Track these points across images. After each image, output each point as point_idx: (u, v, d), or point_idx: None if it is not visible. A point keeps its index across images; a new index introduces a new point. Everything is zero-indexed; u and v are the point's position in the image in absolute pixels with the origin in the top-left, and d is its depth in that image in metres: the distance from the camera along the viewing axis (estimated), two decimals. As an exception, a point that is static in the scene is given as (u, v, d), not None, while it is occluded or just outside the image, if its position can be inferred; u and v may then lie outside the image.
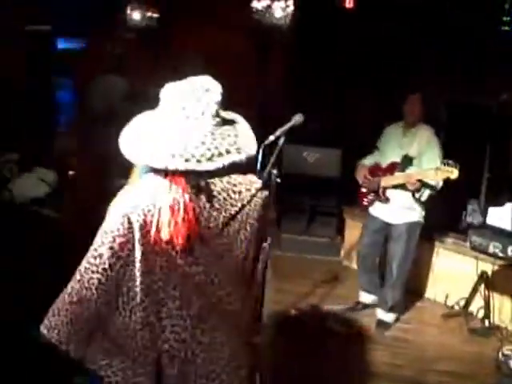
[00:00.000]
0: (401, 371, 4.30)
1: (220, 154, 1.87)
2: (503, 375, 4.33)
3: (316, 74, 7.26)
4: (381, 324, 4.98)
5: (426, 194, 4.70)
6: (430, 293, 5.69)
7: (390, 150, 4.92)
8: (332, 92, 7.48)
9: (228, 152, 1.89)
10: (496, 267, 5.16)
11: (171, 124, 1.89)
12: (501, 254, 4.46)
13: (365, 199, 5.06)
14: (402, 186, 4.74)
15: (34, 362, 3.56)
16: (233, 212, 1.94)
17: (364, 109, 6.97)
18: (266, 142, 2.83)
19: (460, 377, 4.31)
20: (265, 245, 2.10)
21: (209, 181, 1.92)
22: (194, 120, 1.89)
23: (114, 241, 1.83)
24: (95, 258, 1.84)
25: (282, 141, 2.85)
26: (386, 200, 4.86)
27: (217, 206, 1.92)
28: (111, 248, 1.83)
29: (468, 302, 5.29)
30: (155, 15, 7.70)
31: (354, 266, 6.26)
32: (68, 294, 1.86)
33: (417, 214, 4.87)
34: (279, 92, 7.69)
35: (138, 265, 1.83)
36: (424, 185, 4.62)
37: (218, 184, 1.94)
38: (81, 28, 6.85)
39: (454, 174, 4.35)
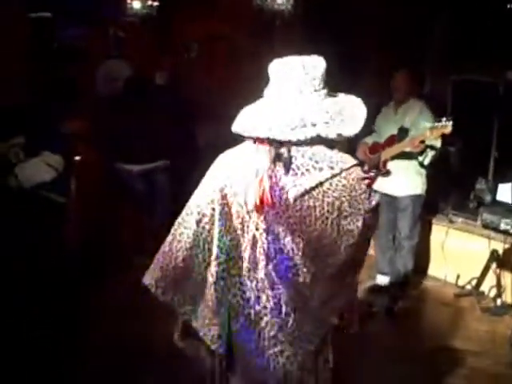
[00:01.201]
0: (414, 350, 4.26)
1: (304, 126, 1.90)
2: (517, 351, 4.31)
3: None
4: (390, 296, 4.98)
5: (429, 156, 4.80)
6: (441, 273, 5.64)
7: (386, 127, 5.04)
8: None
9: (314, 125, 1.91)
10: (507, 245, 5.12)
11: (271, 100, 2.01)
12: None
13: (367, 177, 5.04)
14: (402, 157, 4.84)
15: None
16: (307, 187, 1.93)
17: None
18: None
19: (474, 355, 4.26)
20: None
21: (292, 153, 1.95)
22: (291, 95, 1.97)
23: (203, 200, 2.05)
24: (187, 214, 2.08)
25: None
26: (388, 173, 4.93)
27: (293, 178, 1.94)
28: (198, 206, 2.05)
29: (479, 281, 5.25)
30: (155, 3, 7.65)
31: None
32: (163, 244, 2.13)
33: (419, 187, 4.97)
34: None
35: (217, 223, 2.01)
36: (426, 147, 4.72)
37: (299, 157, 1.95)
38: (83, 16, 6.79)
39: (448, 128, 4.50)
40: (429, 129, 4.58)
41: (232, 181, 2.01)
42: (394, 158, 4.89)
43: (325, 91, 2.03)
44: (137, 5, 7.56)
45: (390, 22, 6.76)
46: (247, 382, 2.09)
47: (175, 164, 5.98)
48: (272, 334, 1.99)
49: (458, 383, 3.89)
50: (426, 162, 4.83)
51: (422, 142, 4.66)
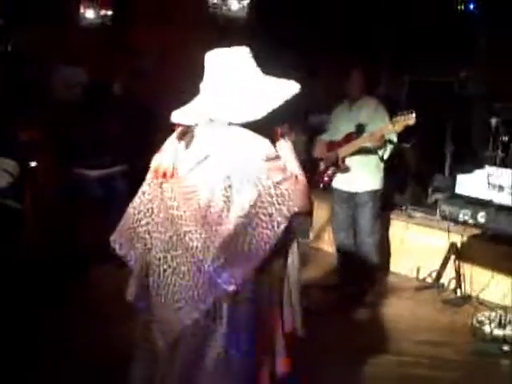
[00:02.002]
0: (378, 343, 4.30)
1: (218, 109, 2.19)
2: (479, 340, 4.37)
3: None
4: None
5: (388, 150, 4.87)
6: (401, 268, 5.73)
7: (342, 125, 5.07)
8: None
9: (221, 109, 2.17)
10: (465, 238, 5.23)
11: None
12: (471, 221, 4.50)
13: (325, 175, 5.10)
14: (361, 153, 4.89)
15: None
16: (202, 158, 2.18)
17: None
18: None
19: (437, 345, 4.32)
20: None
21: (197, 129, 2.24)
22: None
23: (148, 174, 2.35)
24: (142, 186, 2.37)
25: None
26: (346, 169, 4.97)
27: (193, 151, 2.22)
28: (146, 179, 2.36)
29: (439, 274, 5.35)
30: (109, 12, 7.58)
31: (324, 247, 6.29)
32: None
33: (378, 182, 5.02)
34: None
35: (147, 191, 2.33)
36: (385, 142, 4.78)
37: (204, 133, 2.23)
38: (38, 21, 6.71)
39: (411, 119, 4.55)
40: (391, 122, 4.64)
41: (160, 157, 2.32)
42: (353, 154, 4.92)
43: (249, 78, 2.23)
44: (90, 14, 7.49)
45: (345, 24, 6.86)
46: (161, 334, 2.28)
47: (134, 169, 5.94)
48: (174, 290, 2.22)
49: (421, 373, 3.92)
50: (386, 156, 4.89)
51: (382, 136, 4.71)
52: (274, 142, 2.26)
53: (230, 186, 2.11)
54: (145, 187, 2.35)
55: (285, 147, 2.30)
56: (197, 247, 2.16)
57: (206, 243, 2.13)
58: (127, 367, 2.40)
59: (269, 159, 2.13)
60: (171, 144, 2.29)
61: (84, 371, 3.58)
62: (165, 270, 2.24)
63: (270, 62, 2.44)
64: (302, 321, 2.34)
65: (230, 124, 2.18)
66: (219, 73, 2.24)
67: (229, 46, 2.28)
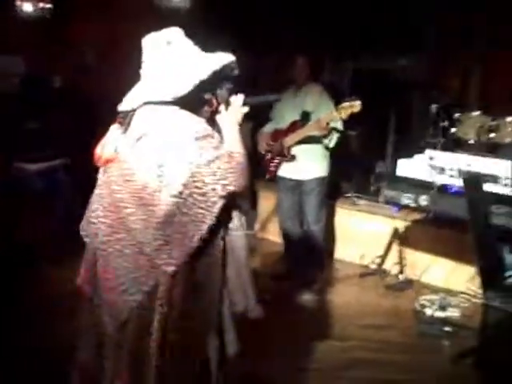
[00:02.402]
0: (324, 330, 4.34)
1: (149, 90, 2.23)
2: (421, 323, 4.47)
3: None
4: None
5: (334, 138, 4.87)
6: (345, 254, 5.79)
7: (287, 113, 5.02)
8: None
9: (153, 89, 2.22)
10: (407, 223, 5.32)
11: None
12: (413, 205, 4.57)
13: (271, 164, 5.09)
14: (307, 141, 4.86)
15: None
16: (137, 139, 2.21)
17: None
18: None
19: (382, 329, 4.39)
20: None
21: (135, 113, 2.24)
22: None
23: None
24: None
25: None
26: (292, 158, 4.95)
27: (128, 138, 2.24)
28: None
29: (383, 259, 5.43)
30: (48, 5, 7.38)
31: (270, 237, 6.29)
32: None
33: (324, 169, 5.01)
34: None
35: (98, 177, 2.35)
36: (331, 129, 4.77)
37: (139, 115, 2.24)
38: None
39: (357, 107, 4.50)
40: (336, 109, 4.59)
41: (102, 145, 2.33)
42: (298, 143, 4.89)
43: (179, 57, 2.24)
44: (28, 7, 7.29)
45: (291, 10, 6.87)
46: (109, 318, 2.27)
47: (76, 162, 5.84)
48: (118, 274, 2.22)
49: (367, 356, 3.97)
50: (332, 144, 4.88)
51: (328, 124, 4.71)
52: (212, 115, 2.31)
53: (162, 166, 2.12)
54: (99, 175, 2.36)
55: (224, 120, 2.34)
56: (137, 229, 2.17)
57: (145, 225, 2.15)
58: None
59: (200, 138, 2.13)
60: (112, 131, 2.31)
61: (31, 369, 3.51)
62: (109, 254, 2.24)
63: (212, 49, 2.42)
64: (254, 303, 2.35)
65: (162, 103, 2.19)
66: (151, 55, 2.28)
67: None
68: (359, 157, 6.43)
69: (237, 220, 2.46)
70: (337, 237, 5.85)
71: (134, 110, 2.25)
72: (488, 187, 3.81)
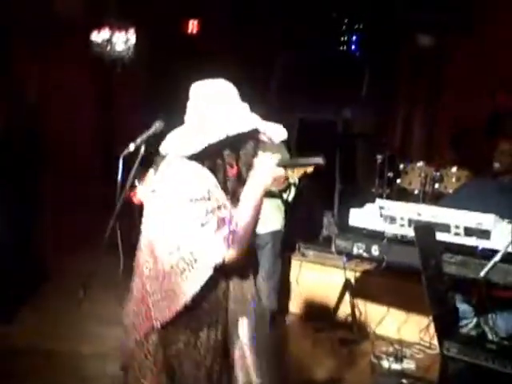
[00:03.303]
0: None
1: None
2: (378, 375, 4.40)
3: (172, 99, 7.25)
4: None
5: (292, 192, 4.86)
6: (297, 308, 5.69)
7: None
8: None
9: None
10: (358, 274, 5.29)
11: None
12: (365, 255, 4.52)
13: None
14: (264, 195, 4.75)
15: None
16: (151, 191, 2.26)
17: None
18: (125, 153, 2.72)
19: (338, 382, 4.30)
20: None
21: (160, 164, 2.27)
22: None
23: None
24: None
25: (142, 150, 2.76)
26: None
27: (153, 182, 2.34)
28: None
29: (335, 311, 5.34)
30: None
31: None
32: None
33: (279, 222, 4.97)
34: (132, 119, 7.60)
35: None
36: (289, 184, 4.77)
37: (160, 165, 2.27)
38: None
39: (310, 168, 4.43)
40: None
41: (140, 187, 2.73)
42: None
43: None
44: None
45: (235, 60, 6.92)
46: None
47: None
48: (128, 313, 2.28)
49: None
50: (290, 198, 4.87)
51: (287, 178, 4.64)
52: (224, 172, 2.22)
53: (163, 223, 2.16)
54: None
55: (251, 177, 2.25)
56: (148, 277, 2.20)
57: (153, 275, 2.18)
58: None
59: (194, 200, 2.09)
60: (150, 173, 2.65)
61: None
62: (130, 295, 2.29)
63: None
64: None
65: (176, 156, 2.20)
66: (190, 103, 2.27)
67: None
68: (306, 207, 6.41)
69: None
70: (289, 290, 5.76)
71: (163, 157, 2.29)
72: (439, 236, 3.81)
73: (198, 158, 2.15)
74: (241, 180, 2.26)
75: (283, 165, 2.36)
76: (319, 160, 2.39)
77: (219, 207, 2.13)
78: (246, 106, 2.27)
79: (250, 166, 2.26)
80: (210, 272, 2.10)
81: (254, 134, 2.25)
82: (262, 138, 2.29)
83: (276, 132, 2.30)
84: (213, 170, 2.18)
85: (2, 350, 4.48)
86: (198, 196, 2.10)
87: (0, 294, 5.02)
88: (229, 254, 2.10)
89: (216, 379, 2.25)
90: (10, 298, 5.14)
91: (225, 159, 2.20)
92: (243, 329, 2.27)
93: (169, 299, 2.14)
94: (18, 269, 5.40)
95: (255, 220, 2.22)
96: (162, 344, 2.18)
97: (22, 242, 5.74)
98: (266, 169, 2.28)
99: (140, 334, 2.20)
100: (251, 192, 2.23)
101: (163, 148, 2.28)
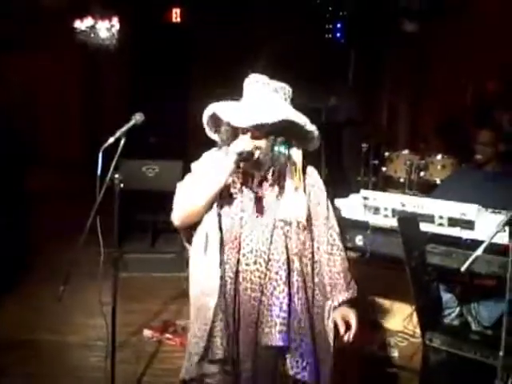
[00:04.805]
0: None
1: None
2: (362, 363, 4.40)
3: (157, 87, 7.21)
4: None
5: None
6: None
7: None
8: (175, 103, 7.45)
9: None
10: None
11: None
12: (349, 245, 4.52)
13: None
14: None
15: None
16: None
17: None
18: (106, 145, 2.71)
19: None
20: None
21: None
22: None
23: None
24: None
25: (122, 142, 2.76)
26: None
27: None
28: None
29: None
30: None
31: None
32: None
33: None
34: (115, 107, 7.55)
35: None
36: None
37: None
38: None
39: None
40: None
41: None
42: None
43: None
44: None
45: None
46: None
47: None
48: None
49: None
50: None
51: None
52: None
53: None
54: None
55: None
56: None
57: None
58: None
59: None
60: None
61: None
62: None
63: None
64: None
65: None
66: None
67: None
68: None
69: None
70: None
71: None
72: (423, 227, 3.81)
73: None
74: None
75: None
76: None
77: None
78: None
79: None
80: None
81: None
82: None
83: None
84: None
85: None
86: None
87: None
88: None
89: None
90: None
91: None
92: None
93: None
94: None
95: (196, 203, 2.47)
96: None
97: (3, 230, 5.68)
98: (222, 167, 2.44)
99: None
100: (207, 183, 2.44)
101: None
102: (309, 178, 2.63)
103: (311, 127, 2.53)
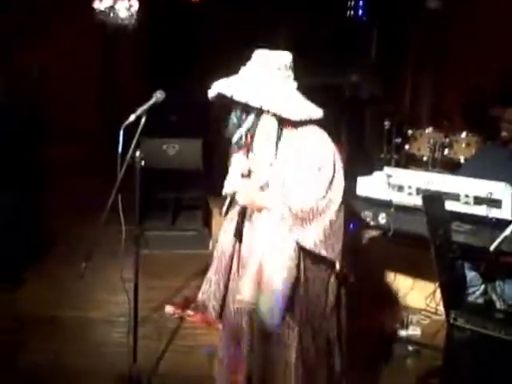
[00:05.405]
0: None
1: None
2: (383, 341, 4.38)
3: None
4: None
5: None
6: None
7: None
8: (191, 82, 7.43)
9: None
10: (364, 241, 5.24)
11: None
12: (372, 223, 4.50)
13: None
14: None
15: None
16: None
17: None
18: (127, 122, 2.69)
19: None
20: None
21: None
22: None
23: None
24: None
25: (143, 120, 2.74)
26: None
27: None
28: None
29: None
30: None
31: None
32: None
33: None
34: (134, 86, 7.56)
35: None
36: None
37: None
38: None
39: None
40: None
41: None
42: None
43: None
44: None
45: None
46: None
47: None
48: None
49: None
50: None
51: None
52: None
53: None
54: None
55: None
56: None
57: None
58: None
59: None
60: None
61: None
62: None
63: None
64: None
65: None
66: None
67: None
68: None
69: None
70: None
71: None
72: (448, 205, 3.76)
73: None
74: None
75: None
76: None
77: None
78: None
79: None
80: None
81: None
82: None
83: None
84: None
85: (8, 318, 4.50)
86: None
87: (3, 257, 5.02)
88: None
89: None
90: (13, 262, 5.14)
91: None
92: None
93: None
94: (21, 233, 5.38)
95: None
96: None
97: (24, 206, 5.70)
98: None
99: None
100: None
101: None
102: (292, 148, 2.67)
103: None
